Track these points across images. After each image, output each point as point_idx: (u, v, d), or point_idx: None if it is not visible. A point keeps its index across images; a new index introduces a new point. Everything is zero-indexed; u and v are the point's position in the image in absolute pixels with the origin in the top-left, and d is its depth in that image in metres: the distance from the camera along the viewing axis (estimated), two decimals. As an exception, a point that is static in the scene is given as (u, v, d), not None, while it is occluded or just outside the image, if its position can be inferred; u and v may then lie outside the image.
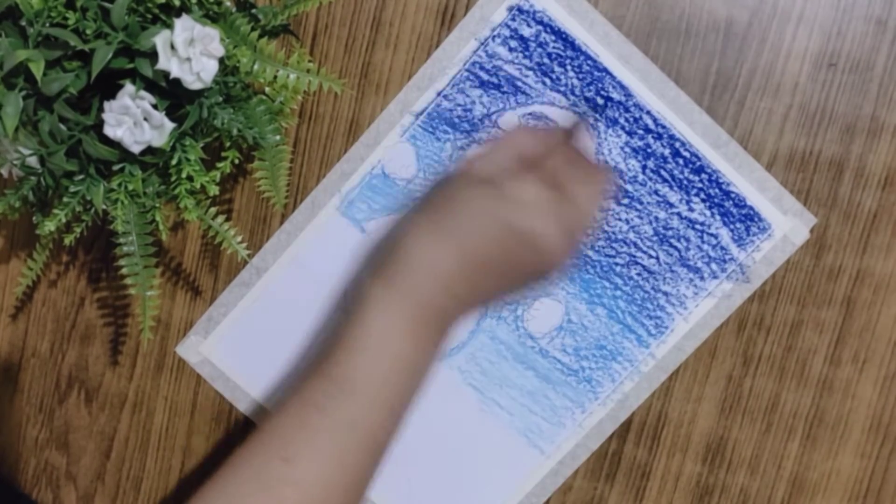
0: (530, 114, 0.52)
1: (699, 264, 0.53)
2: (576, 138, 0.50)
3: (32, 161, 0.45)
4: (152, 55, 0.41)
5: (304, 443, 0.43)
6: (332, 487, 0.42)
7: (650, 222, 0.53)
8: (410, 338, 0.44)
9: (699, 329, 0.53)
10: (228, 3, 0.45)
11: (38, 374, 0.59)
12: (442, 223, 0.45)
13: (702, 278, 0.53)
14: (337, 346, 0.44)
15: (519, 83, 0.52)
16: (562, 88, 0.52)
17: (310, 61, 0.47)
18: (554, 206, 0.45)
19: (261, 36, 0.45)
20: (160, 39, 0.41)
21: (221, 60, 0.43)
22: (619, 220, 0.53)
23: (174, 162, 0.45)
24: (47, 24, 0.41)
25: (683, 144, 0.52)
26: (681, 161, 0.52)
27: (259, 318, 0.56)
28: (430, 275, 0.44)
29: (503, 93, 0.52)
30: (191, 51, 0.41)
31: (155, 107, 0.42)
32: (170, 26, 0.41)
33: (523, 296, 0.54)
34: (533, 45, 0.52)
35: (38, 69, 0.40)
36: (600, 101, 0.52)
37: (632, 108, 0.52)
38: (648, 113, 0.52)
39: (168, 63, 0.41)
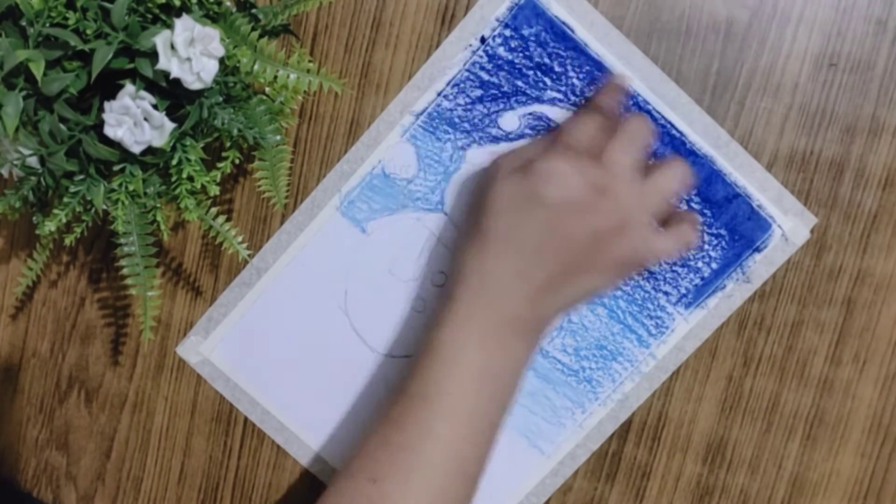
0: (530, 114, 0.52)
1: (699, 264, 0.53)
2: (605, 103, 0.49)
3: (32, 161, 0.45)
4: (152, 55, 0.41)
5: (387, 461, 0.43)
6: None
7: (650, 222, 0.53)
8: (483, 346, 0.44)
9: (700, 329, 0.53)
10: (228, 3, 0.45)
11: (38, 374, 0.59)
12: (482, 227, 0.45)
13: (702, 278, 0.53)
14: (413, 364, 0.45)
15: (519, 83, 0.52)
16: (562, 88, 0.52)
17: (310, 61, 0.47)
18: (584, 169, 0.44)
19: (261, 36, 0.45)
20: (160, 39, 0.41)
21: (221, 60, 0.43)
22: (620, 220, 0.53)
23: (175, 162, 0.45)
24: (47, 24, 0.41)
25: (684, 144, 0.52)
26: (681, 161, 0.52)
27: (259, 318, 0.56)
28: (490, 283, 0.44)
29: (503, 93, 0.52)
30: (191, 51, 0.41)
31: (155, 107, 0.42)
32: (170, 26, 0.41)
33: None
34: (533, 44, 0.52)
35: (38, 69, 0.40)
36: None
37: (632, 109, 0.52)
38: (649, 113, 0.52)
39: (168, 63, 0.41)
